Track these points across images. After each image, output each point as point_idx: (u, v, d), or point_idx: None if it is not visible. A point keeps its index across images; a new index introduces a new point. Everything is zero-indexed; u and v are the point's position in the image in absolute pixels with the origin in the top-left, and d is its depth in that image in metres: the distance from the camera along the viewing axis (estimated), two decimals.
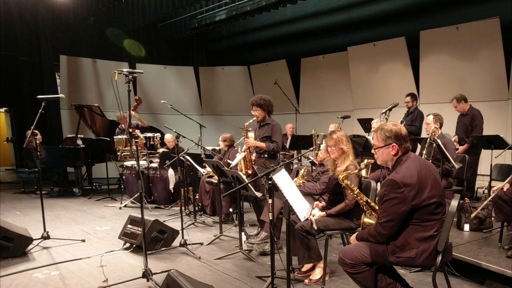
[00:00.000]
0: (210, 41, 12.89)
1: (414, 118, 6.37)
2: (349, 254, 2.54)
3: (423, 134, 6.14)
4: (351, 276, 2.57)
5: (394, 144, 2.45)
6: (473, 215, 4.15)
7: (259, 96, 4.58)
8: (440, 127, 4.87)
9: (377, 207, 2.70)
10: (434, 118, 4.82)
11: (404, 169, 2.40)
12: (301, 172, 4.35)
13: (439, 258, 2.40)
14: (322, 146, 4.18)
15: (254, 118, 4.60)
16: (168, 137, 6.93)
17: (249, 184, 3.70)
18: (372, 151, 2.63)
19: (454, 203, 2.48)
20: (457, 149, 5.62)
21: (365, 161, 2.85)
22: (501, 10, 6.72)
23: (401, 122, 6.22)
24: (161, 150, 6.87)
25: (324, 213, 3.47)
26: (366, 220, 2.73)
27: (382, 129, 2.51)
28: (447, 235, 2.41)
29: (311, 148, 4.40)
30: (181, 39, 11.91)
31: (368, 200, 2.77)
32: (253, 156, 4.70)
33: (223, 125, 10.40)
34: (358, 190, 2.82)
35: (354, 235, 2.73)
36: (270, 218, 2.86)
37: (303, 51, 10.07)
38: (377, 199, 2.72)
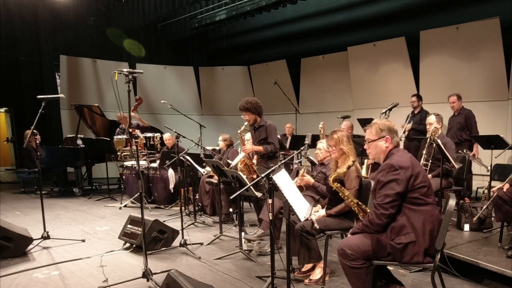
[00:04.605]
0: (210, 41, 12.89)
1: (423, 118, 6.43)
2: (350, 244, 2.54)
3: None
4: (348, 270, 2.55)
5: (387, 136, 2.60)
6: (474, 218, 4.17)
7: (245, 100, 4.46)
8: (442, 127, 4.88)
9: (367, 209, 2.75)
10: (436, 118, 4.81)
11: (397, 156, 2.55)
12: (301, 172, 4.34)
13: (438, 256, 2.42)
14: (323, 146, 4.17)
15: (246, 123, 4.59)
16: (167, 136, 6.88)
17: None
18: (365, 146, 2.75)
19: (451, 202, 2.51)
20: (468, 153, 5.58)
21: (364, 164, 2.88)
22: (501, 10, 6.71)
23: (409, 122, 6.24)
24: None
25: (324, 213, 3.47)
26: None
27: (375, 123, 2.68)
28: (445, 234, 2.43)
29: (301, 148, 4.38)
30: (181, 39, 11.91)
31: (359, 203, 2.82)
32: (255, 161, 4.70)
33: (223, 125, 10.40)
34: (348, 192, 2.90)
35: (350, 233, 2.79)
36: (270, 218, 2.85)
37: (303, 51, 10.07)
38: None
